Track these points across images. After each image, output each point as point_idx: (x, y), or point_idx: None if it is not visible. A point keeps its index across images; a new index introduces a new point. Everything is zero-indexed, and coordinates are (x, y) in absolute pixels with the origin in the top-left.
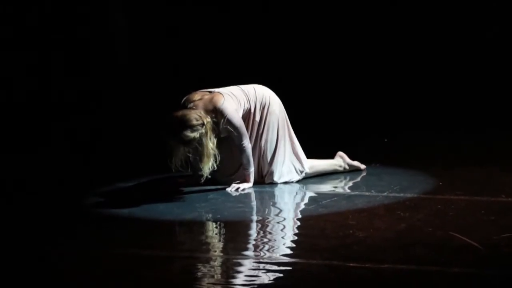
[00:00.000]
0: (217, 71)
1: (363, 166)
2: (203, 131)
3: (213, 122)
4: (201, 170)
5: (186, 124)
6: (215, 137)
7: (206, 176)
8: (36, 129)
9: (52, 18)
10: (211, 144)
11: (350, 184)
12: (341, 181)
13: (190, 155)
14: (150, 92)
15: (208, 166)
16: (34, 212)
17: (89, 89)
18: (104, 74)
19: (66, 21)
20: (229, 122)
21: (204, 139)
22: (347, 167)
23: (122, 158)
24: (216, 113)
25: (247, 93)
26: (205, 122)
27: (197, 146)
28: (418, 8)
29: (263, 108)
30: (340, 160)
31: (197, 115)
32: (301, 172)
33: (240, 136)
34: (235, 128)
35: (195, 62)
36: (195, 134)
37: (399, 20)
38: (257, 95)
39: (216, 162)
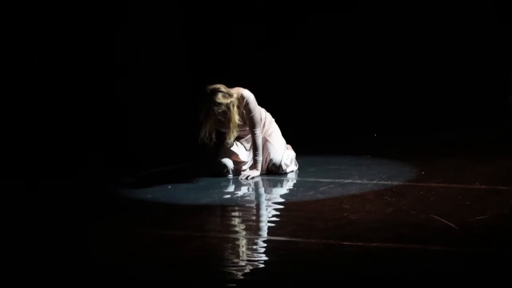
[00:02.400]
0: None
1: None
2: (232, 99)
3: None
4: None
5: (218, 90)
6: (238, 114)
7: (225, 167)
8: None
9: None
10: (236, 116)
11: (344, 173)
12: (336, 170)
13: (213, 135)
14: (170, 97)
15: (234, 135)
16: (70, 196)
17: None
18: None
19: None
20: (249, 105)
21: (231, 108)
22: None
23: (147, 151)
24: (239, 97)
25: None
26: (232, 96)
27: (226, 111)
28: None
29: (267, 118)
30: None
31: (225, 88)
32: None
33: (254, 123)
34: (253, 112)
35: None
36: (226, 100)
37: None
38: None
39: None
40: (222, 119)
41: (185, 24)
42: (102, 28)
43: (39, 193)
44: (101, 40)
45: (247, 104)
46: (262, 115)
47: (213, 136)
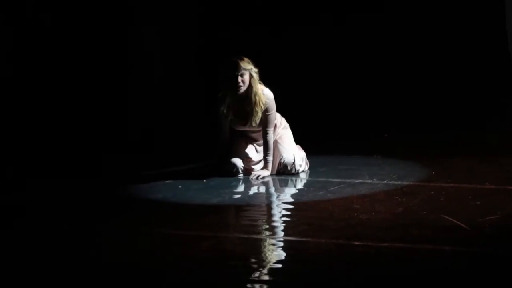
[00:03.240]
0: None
1: None
2: (254, 69)
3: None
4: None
5: (242, 57)
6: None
7: (234, 167)
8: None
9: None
10: (259, 88)
11: (355, 173)
12: (346, 170)
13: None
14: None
15: (258, 117)
16: (80, 196)
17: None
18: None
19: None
20: (269, 106)
21: (255, 78)
22: None
23: (157, 151)
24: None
25: None
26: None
27: (248, 78)
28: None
29: (281, 123)
30: None
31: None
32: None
33: (269, 122)
34: (270, 111)
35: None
36: (251, 65)
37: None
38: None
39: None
40: (243, 85)
41: (198, 24)
42: (113, 27)
43: (51, 193)
44: (113, 39)
45: (268, 103)
46: (277, 120)
47: (230, 113)
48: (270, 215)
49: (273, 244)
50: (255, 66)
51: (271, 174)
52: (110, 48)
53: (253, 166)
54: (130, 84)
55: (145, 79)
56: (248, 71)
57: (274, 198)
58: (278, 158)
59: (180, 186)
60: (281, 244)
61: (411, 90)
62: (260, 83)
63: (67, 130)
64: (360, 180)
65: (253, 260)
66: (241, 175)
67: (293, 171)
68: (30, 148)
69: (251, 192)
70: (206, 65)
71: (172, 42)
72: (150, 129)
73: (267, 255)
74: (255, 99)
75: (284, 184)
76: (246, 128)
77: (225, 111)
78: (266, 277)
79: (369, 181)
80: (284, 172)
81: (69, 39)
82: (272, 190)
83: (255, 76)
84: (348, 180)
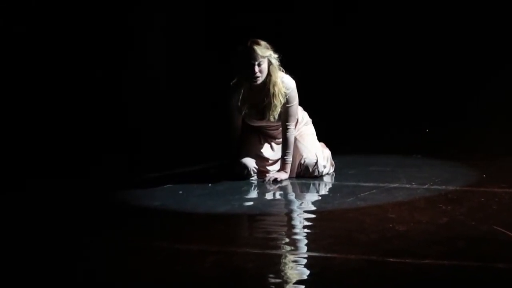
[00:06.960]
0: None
1: None
2: (274, 54)
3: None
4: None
5: (259, 41)
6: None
7: (245, 168)
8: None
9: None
10: (278, 78)
11: (390, 176)
12: (380, 173)
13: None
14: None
15: (277, 111)
16: (70, 205)
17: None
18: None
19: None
20: (289, 93)
21: (274, 64)
22: None
23: (156, 152)
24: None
25: None
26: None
27: (265, 67)
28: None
29: (303, 118)
30: None
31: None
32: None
33: (290, 116)
34: (291, 102)
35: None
36: (269, 51)
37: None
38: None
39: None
40: (261, 75)
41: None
42: (116, 21)
43: (37, 197)
44: (116, 34)
45: (290, 95)
46: (298, 114)
47: (245, 106)
48: (288, 226)
49: (293, 261)
50: (275, 51)
51: (290, 177)
52: (111, 45)
53: (268, 168)
54: (130, 81)
55: (147, 76)
56: (267, 58)
57: (293, 206)
58: (298, 158)
59: (181, 192)
60: (302, 260)
61: (455, 78)
62: (281, 70)
63: (64, 131)
64: (396, 185)
65: (269, 279)
66: (254, 178)
67: (316, 174)
68: (28, 148)
69: (265, 199)
70: (212, 59)
71: (176, 39)
72: (148, 128)
73: (285, 273)
74: (274, 90)
75: (305, 189)
76: (263, 124)
77: (238, 104)
78: None
79: (407, 185)
80: (305, 174)
81: (71, 32)
82: (291, 196)
83: (275, 62)
84: (381, 185)
